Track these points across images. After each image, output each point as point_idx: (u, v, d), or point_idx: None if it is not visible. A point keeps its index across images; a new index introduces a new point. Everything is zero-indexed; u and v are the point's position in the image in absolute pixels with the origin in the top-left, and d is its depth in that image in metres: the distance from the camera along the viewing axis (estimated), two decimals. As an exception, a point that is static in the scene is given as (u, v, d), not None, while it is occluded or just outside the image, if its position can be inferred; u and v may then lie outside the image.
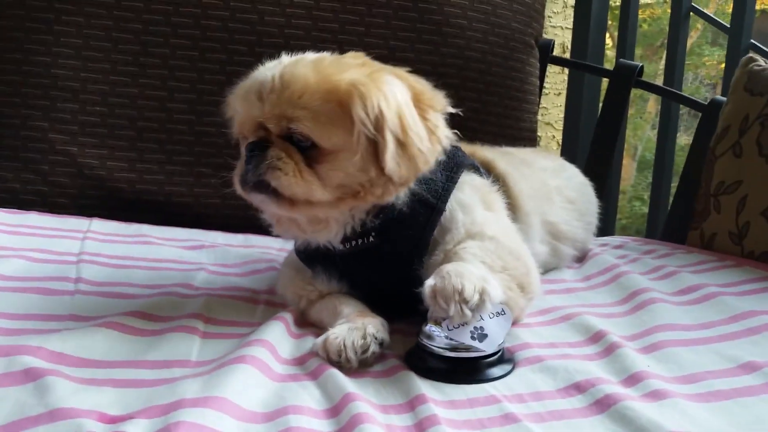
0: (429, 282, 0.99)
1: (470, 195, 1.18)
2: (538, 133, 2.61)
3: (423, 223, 1.13)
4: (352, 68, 1.09)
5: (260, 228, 1.29)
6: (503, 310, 1.01)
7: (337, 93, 1.05)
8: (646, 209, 3.91)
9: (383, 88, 1.06)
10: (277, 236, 1.25)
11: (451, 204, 1.15)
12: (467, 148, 1.32)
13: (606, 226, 2.13)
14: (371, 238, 1.12)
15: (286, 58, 1.14)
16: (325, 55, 1.14)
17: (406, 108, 1.07)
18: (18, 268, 1.29)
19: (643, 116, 5.19)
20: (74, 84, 1.71)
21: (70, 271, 1.31)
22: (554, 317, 1.20)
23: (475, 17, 1.87)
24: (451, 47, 1.84)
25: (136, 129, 1.74)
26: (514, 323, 1.13)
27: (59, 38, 1.71)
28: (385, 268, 1.14)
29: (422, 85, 1.14)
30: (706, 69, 5.23)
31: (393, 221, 1.12)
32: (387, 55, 1.79)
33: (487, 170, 1.31)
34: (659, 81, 2.71)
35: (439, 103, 1.13)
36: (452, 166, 1.17)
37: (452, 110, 1.14)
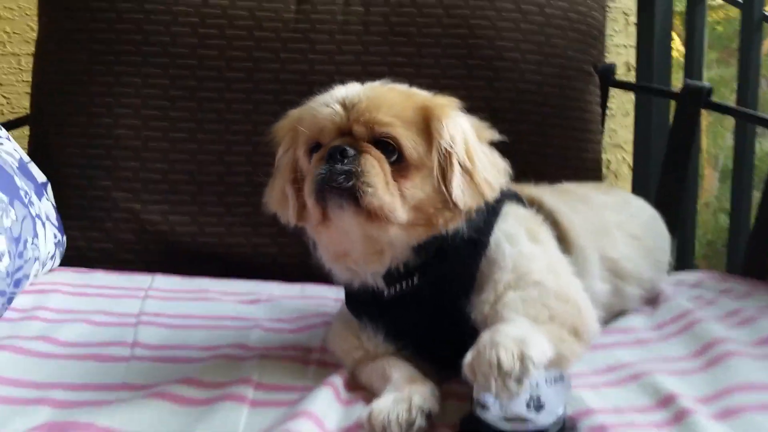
0: (467, 358, 0.93)
1: (515, 225, 1.15)
2: (608, 157, 2.51)
3: (467, 258, 1.10)
4: (427, 94, 1.14)
5: (316, 276, 1.28)
6: (562, 376, 0.95)
7: (424, 109, 1.09)
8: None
9: (455, 116, 1.10)
10: (333, 283, 1.23)
11: (496, 236, 1.13)
12: (514, 186, 1.28)
13: (684, 258, 2.01)
14: (415, 280, 1.09)
15: (357, 84, 1.14)
16: (399, 84, 1.17)
17: (471, 138, 1.10)
18: (78, 333, 1.32)
19: (722, 123, 4.93)
20: (135, 143, 1.77)
21: (128, 334, 1.33)
22: (622, 376, 1.11)
23: (528, 49, 1.81)
24: (504, 81, 1.79)
25: (196, 183, 1.78)
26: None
27: (119, 99, 1.77)
28: (432, 311, 1.11)
29: (471, 118, 1.16)
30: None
31: (436, 260, 1.09)
32: (438, 93, 1.76)
33: (534, 207, 1.25)
34: (736, 85, 2.54)
35: (489, 133, 1.15)
36: (496, 200, 1.14)
37: (498, 138, 1.15)
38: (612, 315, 1.37)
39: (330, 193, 1.04)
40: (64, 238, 1.71)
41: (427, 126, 1.08)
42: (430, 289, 1.10)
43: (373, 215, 1.04)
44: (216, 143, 1.78)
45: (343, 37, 1.80)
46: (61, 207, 1.73)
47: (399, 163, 1.06)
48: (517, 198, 1.22)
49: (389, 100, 1.09)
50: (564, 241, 1.24)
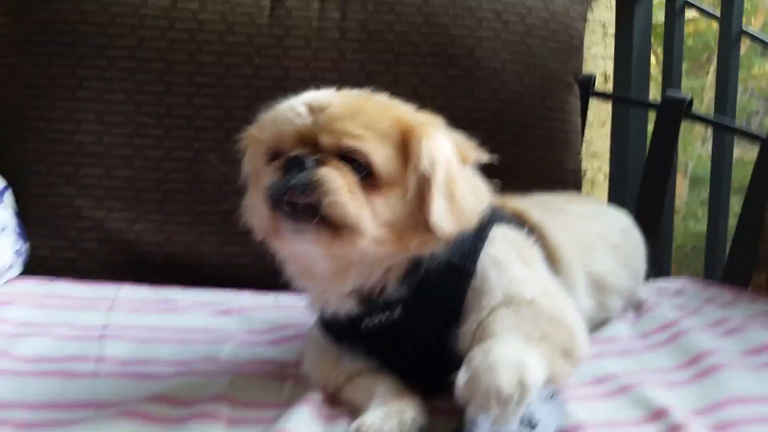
0: (460, 380, 0.88)
1: (504, 250, 1.08)
2: (584, 166, 2.51)
3: (451, 289, 1.03)
4: (407, 107, 1.05)
5: (290, 285, 1.21)
6: (555, 393, 0.92)
7: (402, 122, 0.99)
8: (700, 227, 3.73)
9: (437, 137, 1.01)
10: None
11: (482, 263, 1.05)
12: (498, 199, 1.23)
13: (661, 266, 2.01)
14: (396, 314, 1.02)
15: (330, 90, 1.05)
16: (376, 94, 1.07)
17: (453, 162, 1.01)
18: (40, 348, 1.24)
19: (692, 132, 5.03)
20: (98, 149, 1.69)
21: (92, 349, 1.25)
22: (611, 388, 1.08)
23: (509, 59, 1.79)
24: (484, 92, 1.76)
25: (162, 191, 1.71)
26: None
27: (82, 104, 1.69)
28: (415, 342, 1.05)
29: (455, 135, 1.07)
30: (756, 81, 5.04)
31: (417, 291, 1.02)
32: (417, 103, 1.73)
33: (520, 221, 1.20)
34: (706, 96, 2.58)
35: (474, 154, 1.06)
36: (481, 221, 1.06)
37: (486, 159, 1.06)
38: (595, 326, 1.34)
39: (282, 211, 0.94)
40: (26, 245, 1.64)
41: (404, 143, 0.98)
42: (411, 321, 1.03)
43: (337, 231, 0.94)
44: (184, 150, 1.71)
45: (319, 44, 1.75)
46: (21, 215, 1.65)
47: (369, 178, 0.96)
48: (505, 218, 1.15)
49: (363, 108, 0.99)
50: (552, 258, 1.19)
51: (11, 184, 1.66)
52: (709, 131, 2.36)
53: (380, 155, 0.96)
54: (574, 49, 1.88)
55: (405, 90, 1.72)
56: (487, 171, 1.09)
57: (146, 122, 1.71)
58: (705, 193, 2.07)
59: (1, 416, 1.00)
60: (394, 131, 0.99)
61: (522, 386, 0.85)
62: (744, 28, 2.00)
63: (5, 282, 1.55)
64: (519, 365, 0.87)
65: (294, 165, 0.93)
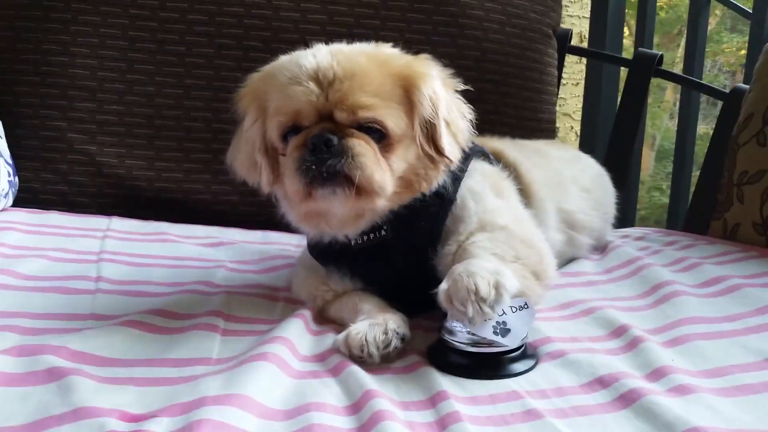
0: (442, 287, 0.98)
1: (480, 182, 1.18)
2: (556, 124, 2.59)
3: (434, 213, 1.13)
4: (396, 54, 1.12)
5: (277, 224, 1.29)
6: (526, 304, 1.00)
7: (401, 77, 1.07)
8: (665, 199, 3.86)
9: (431, 72, 1.10)
10: (295, 232, 1.24)
11: (462, 192, 1.16)
12: (477, 139, 1.32)
13: (626, 217, 2.11)
14: (383, 232, 1.12)
15: (321, 47, 1.10)
16: (365, 45, 1.14)
17: (445, 93, 1.11)
18: (39, 268, 1.30)
19: (661, 105, 5.13)
20: (91, 83, 1.72)
21: (90, 270, 1.32)
22: (576, 311, 1.18)
23: (492, 8, 1.85)
24: (467, 39, 1.83)
25: (153, 127, 1.75)
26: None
27: (76, 38, 1.72)
28: (399, 261, 1.14)
29: (440, 69, 1.16)
30: (725, 56, 5.15)
31: (404, 214, 1.12)
32: (403, 47, 1.78)
33: (497, 159, 1.30)
34: (677, 69, 2.67)
35: (453, 83, 1.17)
36: (462, 154, 1.16)
37: (463, 87, 1.16)
38: (564, 262, 1.44)
39: (319, 180, 1.03)
40: (16, 178, 1.67)
41: (406, 95, 1.07)
42: (397, 240, 1.13)
43: (363, 193, 1.04)
44: (175, 87, 1.75)
45: (309, -14, 1.79)
46: (13, 147, 1.68)
47: (384, 139, 1.06)
48: (484, 154, 1.25)
49: (365, 73, 1.04)
50: (525, 193, 1.29)
51: (4, 116, 1.68)
52: (677, 107, 2.45)
53: (392, 119, 1.05)
54: (554, 1, 1.95)
55: (392, 34, 1.79)
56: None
57: (139, 58, 1.74)
58: (671, 166, 2.18)
59: (7, 323, 1.06)
60: (397, 88, 1.06)
61: (497, 288, 0.95)
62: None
63: (0, 210, 1.59)
64: (494, 273, 0.97)
65: (320, 145, 1.02)
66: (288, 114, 1.06)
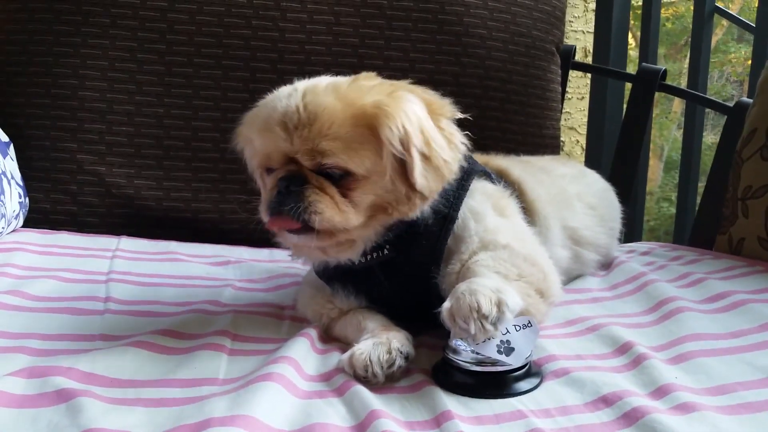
0: (445, 305, 0.99)
1: (481, 202, 1.19)
2: (562, 139, 2.61)
3: (437, 232, 1.14)
4: (371, 90, 1.10)
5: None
6: (530, 323, 1.01)
7: (365, 117, 1.07)
8: (674, 210, 3.85)
9: (404, 107, 1.08)
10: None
11: (463, 212, 1.16)
12: (481, 158, 1.34)
13: (633, 231, 2.11)
14: (386, 251, 1.13)
15: (300, 84, 1.13)
16: (341, 79, 1.15)
17: (426, 122, 1.10)
18: (49, 289, 1.32)
19: (668, 116, 5.13)
20: (101, 105, 1.75)
21: (99, 290, 1.34)
22: (581, 328, 1.19)
23: (495, 27, 1.87)
24: (471, 57, 1.85)
25: (162, 147, 1.78)
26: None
27: (86, 61, 1.75)
28: (403, 280, 1.15)
29: (429, 94, 1.16)
30: (732, 66, 5.15)
31: (407, 233, 1.13)
32: (407, 67, 1.81)
33: (501, 178, 1.31)
34: (684, 80, 2.68)
35: (448, 110, 1.16)
36: (463, 173, 1.18)
37: (460, 115, 1.16)
38: (570, 279, 1.45)
39: (283, 221, 1.09)
40: (27, 199, 1.69)
41: (373, 132, 1.07)
42: (400, 259, 1.14)
43: (326, 232, 1.08)
44: (183, 108, 1.78)
45: (314, 6, 1.81)
46: (24, 168, 1.71)
47: (348, 177, 1.07)
48: (485, 173, 1.26)
49: (331, 115, 1.06)
50: (529, 211, 1.30)
51: (15, 138, 1.71)
52: (683, 118, 2.46)
53: (354, 161, 1.07)
54: (557, 19, 1.97)
55: (396, 54, 1.81)
56: (472, 133, 1.17)
57: (147, 80, 1.77)
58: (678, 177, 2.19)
59: (18, 344, 1.07)
60: (361, 128, 1.07)
61: (499, 306, 0.95)
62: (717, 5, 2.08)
63: (10, 231, 1.61)
64: (496, 290, 0.98)
65: (282, 188, 1.08)
66: (261, 156, 1.14)
